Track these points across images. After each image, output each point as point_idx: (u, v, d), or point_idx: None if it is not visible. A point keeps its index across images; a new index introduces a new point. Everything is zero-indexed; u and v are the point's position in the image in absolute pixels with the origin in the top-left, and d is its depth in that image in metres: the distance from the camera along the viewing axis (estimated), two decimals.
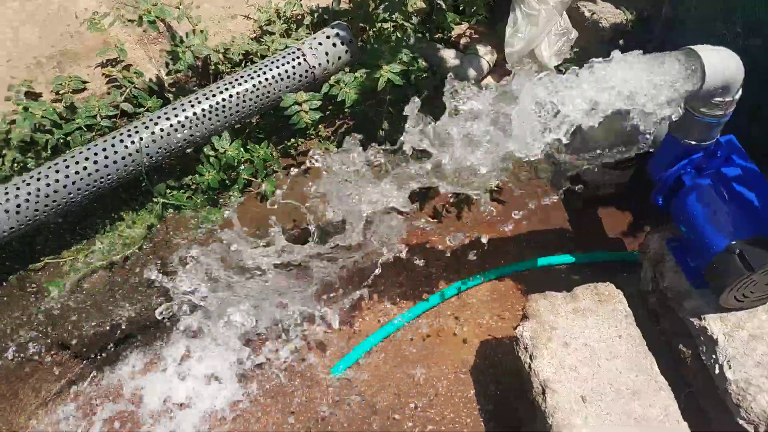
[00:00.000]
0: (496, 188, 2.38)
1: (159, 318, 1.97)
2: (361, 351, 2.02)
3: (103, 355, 2.02)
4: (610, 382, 1.61)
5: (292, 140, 2.34)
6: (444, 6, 2.60)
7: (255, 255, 1.95)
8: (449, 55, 2.54)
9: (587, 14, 2.45)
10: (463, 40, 2.71)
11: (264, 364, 2.01)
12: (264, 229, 2.06)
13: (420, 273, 2.20)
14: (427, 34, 2.65)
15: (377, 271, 2.00)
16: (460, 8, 2.66)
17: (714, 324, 1.69)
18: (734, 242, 1.59)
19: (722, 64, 1.52)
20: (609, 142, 1.84)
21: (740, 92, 1.59)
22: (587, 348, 1.68)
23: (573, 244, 2.32)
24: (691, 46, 1.53)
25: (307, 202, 2.02)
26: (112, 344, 2.02)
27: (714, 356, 1.65)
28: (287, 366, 2.00)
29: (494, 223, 2.33)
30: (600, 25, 2.42)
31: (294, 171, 2.18)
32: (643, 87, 1.48)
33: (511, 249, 2.29)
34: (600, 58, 1.50)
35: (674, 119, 1.52)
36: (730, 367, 1.60)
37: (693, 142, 1.71)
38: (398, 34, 2.51)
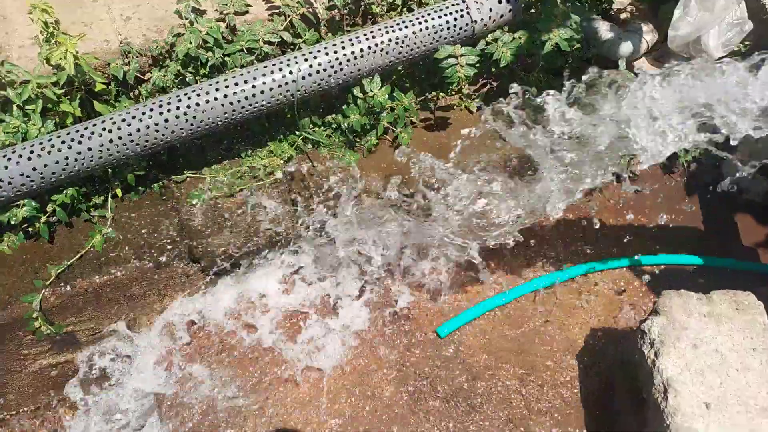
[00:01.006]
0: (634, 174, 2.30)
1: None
2: (472, 315, 2.03)
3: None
4: (738, 394, 1.55)
5: (434, 93, 2.32)
6: None
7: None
8: (606, 28, 2.43)
9: None
10: (623, 15, 2.59)
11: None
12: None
13: (542, 251, 2.18)
14: (586, 3, 2.55)
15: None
16: None
17: None
18: None
19: None
20: None
21: None
22: (718, 354, 1.62)
23: (704, 247, 2.23)
24: None
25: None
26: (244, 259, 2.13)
27: None
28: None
29: (622, 211, 2.27)
30: None
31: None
32: None
33: (637, 241, 2.22)
34: None
35: None
36: None
37: None
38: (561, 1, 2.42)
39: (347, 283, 2.10)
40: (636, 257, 2.18)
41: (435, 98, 2.36)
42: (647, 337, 1.68)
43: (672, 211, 2.28)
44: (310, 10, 2.20)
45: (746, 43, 2.33)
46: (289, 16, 2.12)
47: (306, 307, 2.10)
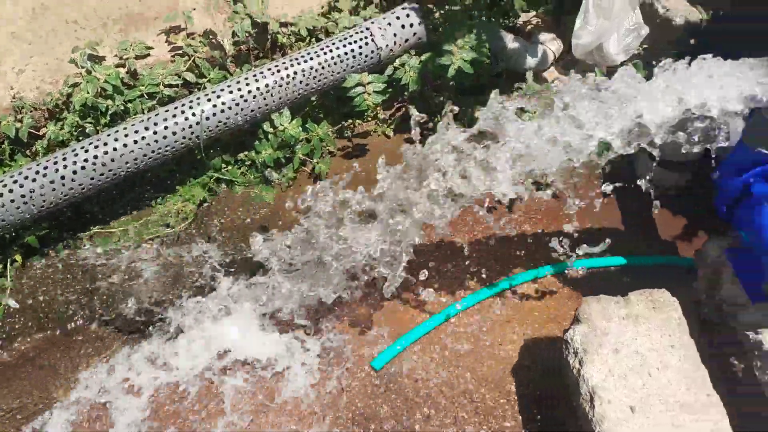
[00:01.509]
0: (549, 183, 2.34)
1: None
2: (403, 344, 2.01)
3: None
4: (659, 393, 1.58)
5: (349, 121, 2.33)
6: None
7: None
8: (514, 43, 2.48)
9: (660, 11, 2.36)
10: (528, 28, 2.65)
11: None
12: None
13: (465, 266, 2.18)
14: (492, 19, 2.60)
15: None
16: None
17: None
18: None
19: None
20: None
21: None
22: (638, 356, 1.65)
23: (625, 246, 2.27)
24: None
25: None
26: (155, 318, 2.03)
27: None
28: None
29: (547, 219, 2.29)
30: (673, 23, 2.33)
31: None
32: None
33: (561, 246, 2.24)
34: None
35: None
36: None
37: (766, 152, 1.65)
38: (466, 18, 2.46)
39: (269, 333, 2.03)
40: (562, 263, 2.20)
41: (351, 126, 2.36)
42: (571, 347, 1.70)
43: (593, 213, 2.31)
44: (216, 45, 2.18)
45: (644, 46, 2.42)
46: (191, 56, 2.10)
47: (230, 362, 2.01)
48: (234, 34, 2.13)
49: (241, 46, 2.22)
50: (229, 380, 1.89)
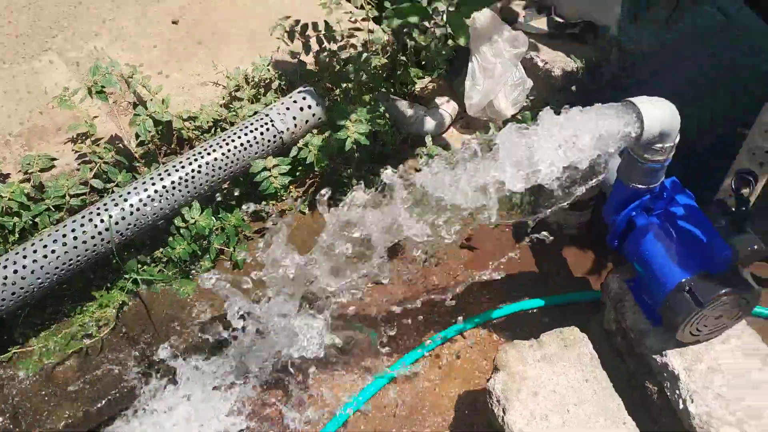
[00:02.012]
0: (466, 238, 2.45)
1: None
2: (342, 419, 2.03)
3: None
4: (579, 428, 1.65)
5: (263, 203, 2.39)
6: (407, 62, 2.70)
7: None
8: (412, 109, 2.62)
9: (540, 64, 2.55)
10: (425, 94, 2.80)
11: None
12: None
13: (385, 332, 2.22)
14: (391, 89, 2.74)
15: None
16: (422, 63, 2.75)
17: (674, 359, 1.75)
18: (684, 280, 1.66)
19: (659, 114, 1.60)
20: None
21: (678, 138, 1.67)
22: (556, 395, 1.72)
23: (542, 287, 2.37)
24: (630, 99, 1.62)
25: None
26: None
27: (677, 392, 1.70)
28: None
29: (464, 273, 2.38)
30: (552, 74, 2.52)
31: None
32: (587, 142, 1.56)
33: (483, 298, 2.33)
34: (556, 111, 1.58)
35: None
36: (692, 401, 1.66)
37: (640, 186, 1.79)
38: (363, 92, 2.59)
39: None
40: (485, 313, 2.28)
41: (266, 207, 2.42)
42: (494, 396, 1.75)
43: (509, 261, 2.41)
44: (122, 149, 2.23)
45: (531, 97, 2.59)
46: (97, 162, 2.14)
47: None
48: (137, 135, 2.19)
49: (147, 146, 2.28)
50: None
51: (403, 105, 2.63)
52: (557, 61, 2.53)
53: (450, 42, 2.55)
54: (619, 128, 1.58)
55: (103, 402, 1.97)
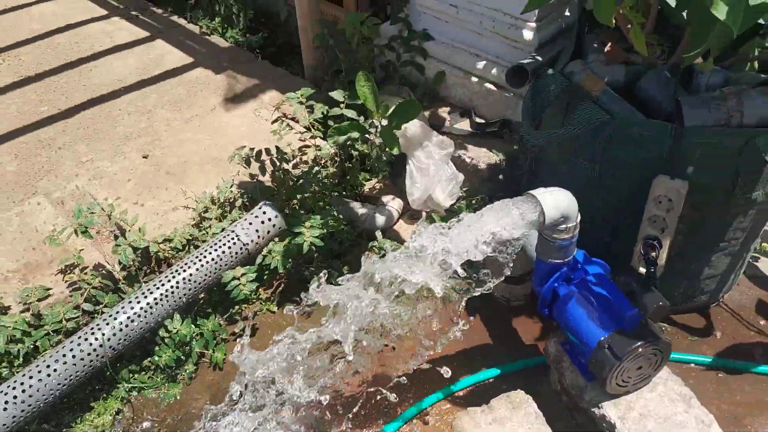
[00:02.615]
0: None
1: None
2: None
3: None
4: None
5: (236, 308, 2.67)
6: (354, 168, 3.06)
7: None
8: (364, 209, 2.96)
9: (467, 160, 2.93)
10: (374, 193, 3.15)
11: None
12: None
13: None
14: (343, 192, 3.09)
15: None
16: (368, 168, 3.12)
17: (610, 410, 1.98)
18: (603, 338, 1.94)
19: (557, 202, 1.92)
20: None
21: (579, 217, 1.99)
22: None
23: (497, 357, 2.60)
24: (531, 192, 1.94)
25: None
26: None
27: None
28: None
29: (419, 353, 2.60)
30: (479, 167, 2.89)
31: None
32: (497, 231, 1.88)
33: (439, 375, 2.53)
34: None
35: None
36: None
37: (557, 260, 2.10)
38: (318, 199, 2.93)
39: None
40: (446, 387, 2.49)
41: (239, 311, 2.70)
42: None
43: (462, 335, 2.64)
44: (106, 274, 2.52)
45: (465, 189, 2.94)
46: (86, 288, 2.42)
47: None
48: (120, 262, 2.49)
49: (129, 269, 2.56)
50: None
51: (355, 205, 2.96)
52: (481, 157, 2.91)
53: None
54: (524, 217, 1.90)
55: None
